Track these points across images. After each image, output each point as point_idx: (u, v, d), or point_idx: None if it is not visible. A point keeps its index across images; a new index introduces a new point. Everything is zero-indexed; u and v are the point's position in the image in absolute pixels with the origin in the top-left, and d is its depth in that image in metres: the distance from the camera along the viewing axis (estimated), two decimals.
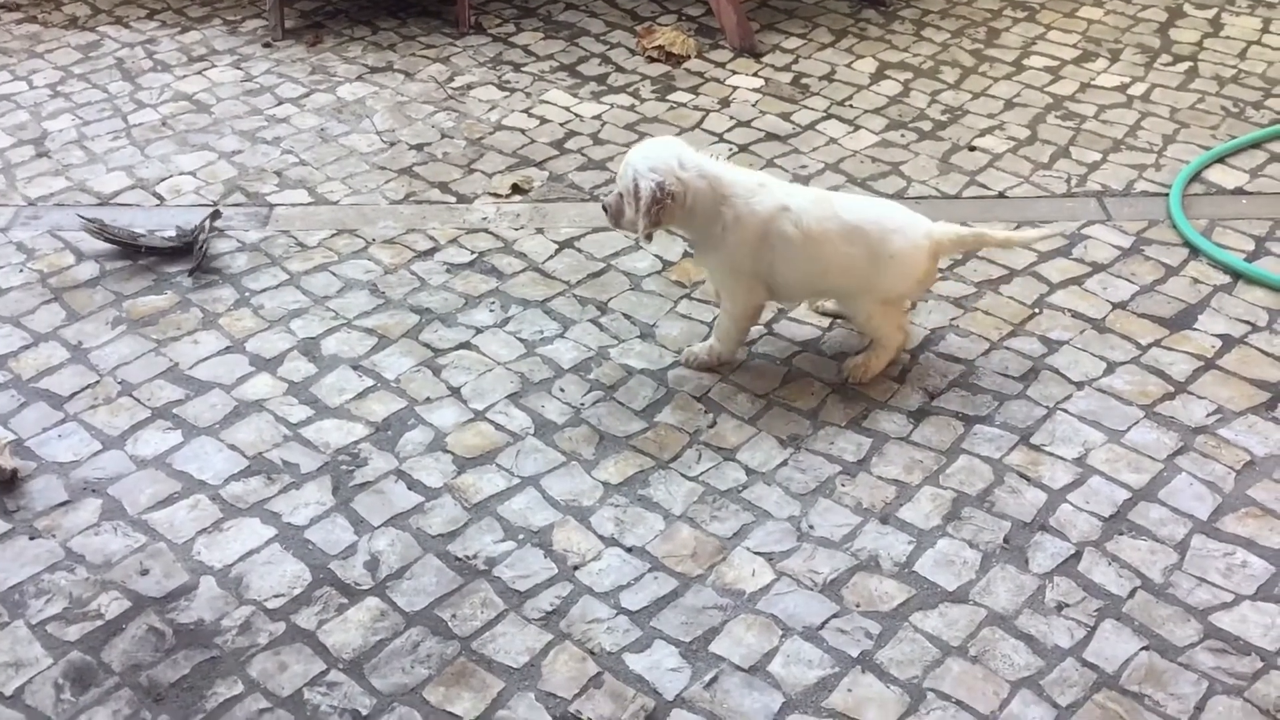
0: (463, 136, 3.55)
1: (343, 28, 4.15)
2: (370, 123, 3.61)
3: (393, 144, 3.51)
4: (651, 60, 3.93)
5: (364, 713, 1.98)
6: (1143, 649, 2.07)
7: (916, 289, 2.65)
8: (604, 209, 2.61)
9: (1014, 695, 2.00)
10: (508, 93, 3.77)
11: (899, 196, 3.26)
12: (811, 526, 2.31)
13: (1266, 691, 1.99)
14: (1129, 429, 2.51)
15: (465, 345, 2.76)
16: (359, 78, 3.85)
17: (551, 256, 3.05)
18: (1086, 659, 2.05)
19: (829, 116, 3.63)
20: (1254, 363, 2.66)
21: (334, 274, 2.98)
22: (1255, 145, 3.40)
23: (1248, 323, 2.77)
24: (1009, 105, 3.66)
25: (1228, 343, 2.72)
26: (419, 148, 3.49)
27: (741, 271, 2.56)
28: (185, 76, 3.86)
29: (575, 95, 3.75)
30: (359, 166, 3.41)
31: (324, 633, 2.11)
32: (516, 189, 3.31)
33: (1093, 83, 3.75)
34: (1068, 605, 2.15)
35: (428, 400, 2.60)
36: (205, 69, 3.90)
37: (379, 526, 2.31)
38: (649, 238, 2.57)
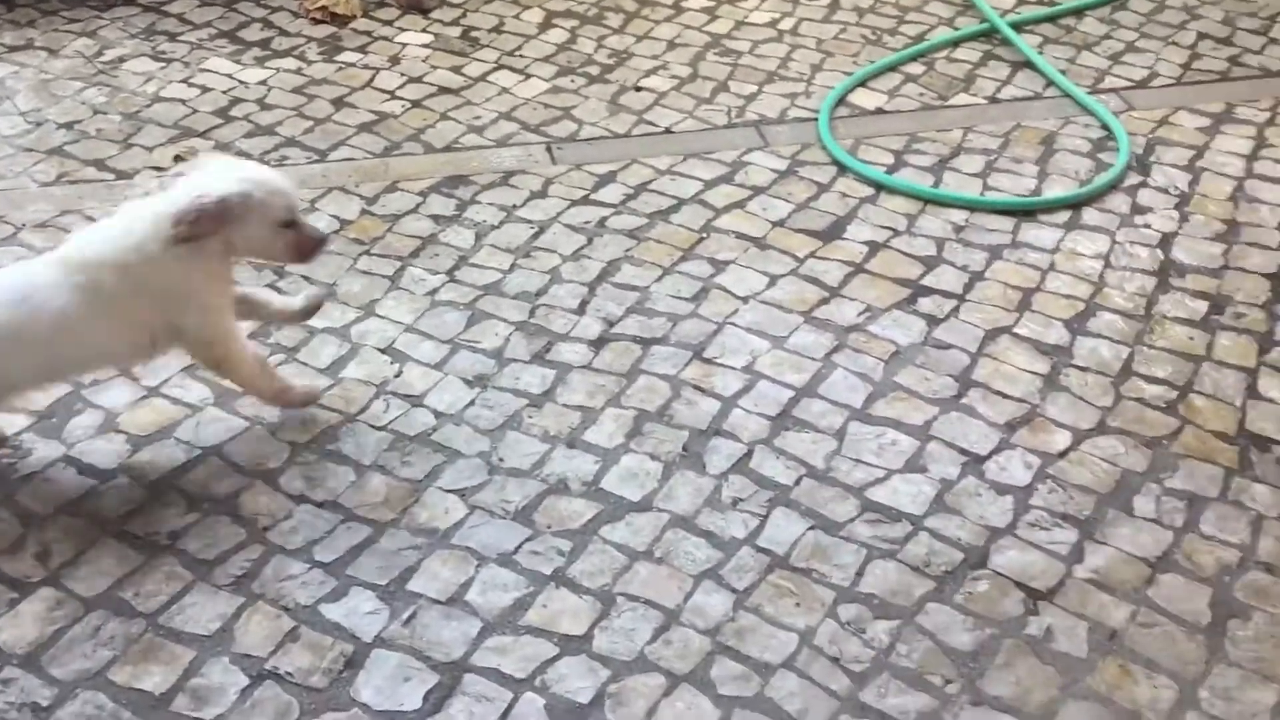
0: (117, 111, 3.37)
1: None
2: (12, 104, 3.38)
3: (39, 124, 3.30)
4: (316, 22, 3.85)
5: (45, 704, 1.90)
6: (809, 529, 2.24)
7: None
8: None
9: (697, 587, 2.13)
10: (164, 63, 3.61)
11: (571, 140, 3.35)
12: (502, 459, 2.37)
13: (916, 551, 2.20)
14: (790, 334, 2.69)
15: None
16: None
17: None
18: (760, 545, 2.21)
19: (500, 67, 3.67)
20: (896, 264, 2.90)
21: None
22: (891, 69, 3.68)
23: (890, 229, 3.02)
24: (671, 46, 3.81)
25: (873, 248, 2.95)
26: (69, 126, 3.30)
27: None
28: None
29: (238, 62, 3.64)
30: (2, 150, 3.19)
31: None
32: (180, 161, 3.18)
33: (746, 20, 3.95)
34: (742, 500, 2.30)
35: (95, 382, 2.49)
36: None
37: (49, 515, 2.20)
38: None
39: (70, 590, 2.07)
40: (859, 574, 2.16)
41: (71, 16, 3.83)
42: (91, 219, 2.94)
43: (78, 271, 2.10)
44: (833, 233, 3.01)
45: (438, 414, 2.47)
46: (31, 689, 1.92)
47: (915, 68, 3.69)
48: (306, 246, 2.27)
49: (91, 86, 3.48)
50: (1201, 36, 3.86)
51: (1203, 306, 2.76)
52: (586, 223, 3.03)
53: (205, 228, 2.10)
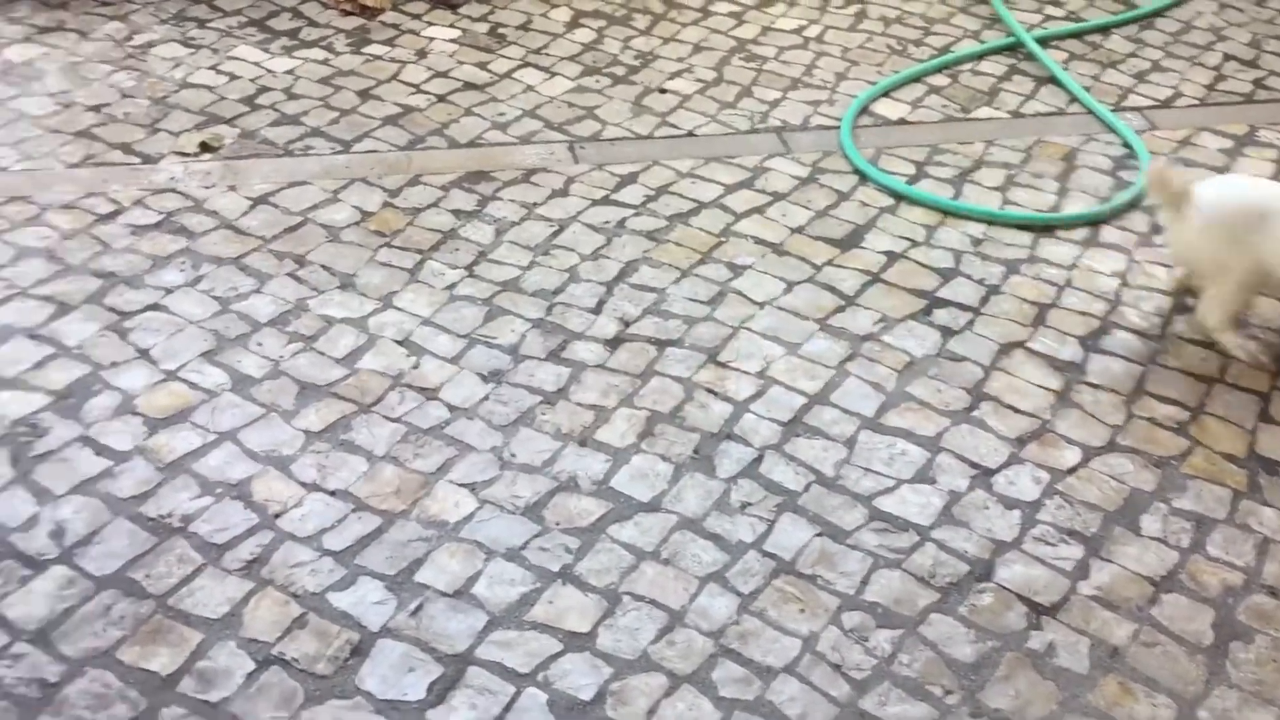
0: (145, 96, 3.41)
1: None
2: (41, 85, 3.41)
3: (68, 106, 3.34)
4: (345, 13, 3.88)
5: (53, 680, 1.92)
6: (816, 536, 2.25)
7: None
8: None
9: (703, 589, 2.14)
10: (193, 49, 3.64)
11: (594, 139, 3.37)
12: (513, 454, 2.39)
13: (922, 561, 2.21)
14: (805, 341, 2.70)
15: (154, 307, 2.68)
16: (26, 39, 3.63)
17: (245, 213, 2.99)
18: (767, 550, 2.22)
19: (525, 64, 3.69)
20: (913, 274, 2.91)
21: (5, 242, 2.82)
22: (916, 80, 3.69)
23: (908, 239, 3.03)
24: (697, 49, 3.82)
25: (891, 258, 2.96)
26: (97, 109, 3.33)
27: None
28: None
29: (266, 50, 3.66)
30: (30, 131, 3.23)
31: (6, 606, 2.02)
32: (206, 147, 3.22)
33: (773, 26, 3.97)
34: (750, 504, 2.31)
35: (114, 364, 2.52)
36: None
37: (64, 495, 2.23)
38: None
39: (82, 569, 2.10)
40: (864, 582, 2.17)
41: (104, 0, 3.86)
42: (116, 202, 2.98)
43: None
44: (851, 241, 3.01)
45: (452, 408, 2.49)
46: (40, 665, 1.95)
47: (939, 79, 3.70)
48: None
49: (120, 70, 3.52)
50: (1227, 58, 3.85)
51: None
52: (606, 223, 3.04)
53: None
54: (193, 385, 2.49)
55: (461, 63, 3.68)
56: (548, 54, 3.75)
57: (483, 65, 3.67)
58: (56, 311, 2.64)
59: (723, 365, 2.63)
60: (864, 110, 3.53)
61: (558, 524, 2.25)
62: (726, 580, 2.16)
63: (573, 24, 3.92)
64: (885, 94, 3.62)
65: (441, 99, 3.50)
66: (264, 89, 3.48)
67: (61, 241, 2.84)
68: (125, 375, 2.49)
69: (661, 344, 2.67)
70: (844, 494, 2.34)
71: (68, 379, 2.47)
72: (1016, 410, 2.53)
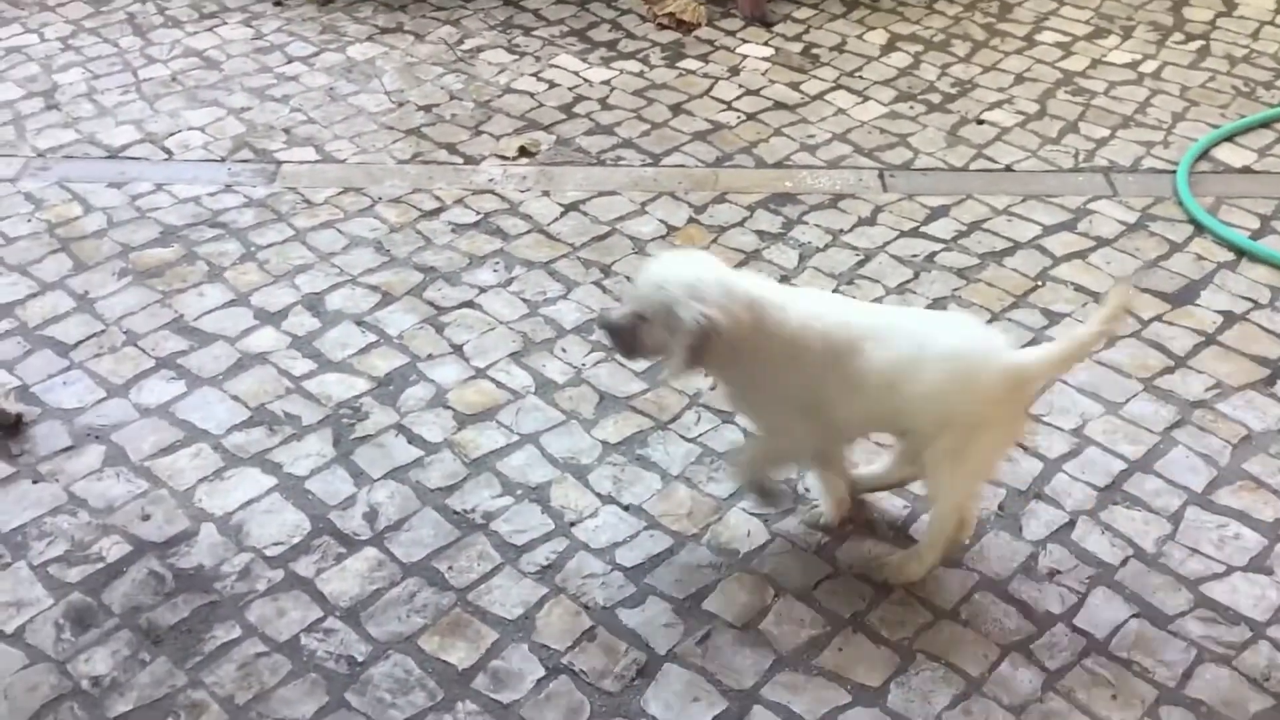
0: (471, 99, 3.55)
1: None
2: (379, 83, 3.62)
3: (401, 104, 3.52)
4: (662, 27, 3.92)
5: (359, 659, 2.00)
6: (1133, 616, 2.08)
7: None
8: (608, 329, 2.02)
9: (1004, 658, 2.02)
10: (517, 56, 3.77)
11: (906, 167, 3.26)
12: (808, 489, 2.33)
13: (1255, 661, 2.00)
14: (1127, 401, 2.51)
15: (468, 304, 2.77)
16: (369, 38, 3.85)
17: (557, 219, 3.06)
18: (1077, 625, 2.07)
19: (838, 87, 3.62)
20: (1255, 339, 2.66)
21: (340, 231, 3.00)
22: (1265, 125, 3.39)
23: (1250, 300, 2.77)
24: (1019, 79, 3.65)
25: (1229, 319, 2.72)
26: (427, 109, 3.50)
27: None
28: (196, 33, 3.86)
29: (585, 60, 3.75)
30: (367, 126, 3.42)
31: (322, 581, 2.13)
32: (524, 151, 3.31)
33: (1104, 59, 3.74)
34: (1060, 572, 2.16)
35: (430, 357, 2.62)
36: (216, 26, 3.91)
37: (379, 479, 2.33)
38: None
39: (391, 553, 2.18)
40: (1186, 675, 1.98)
41: (439, 4, 4.06)
42: (440, 199, 3.11)
43: None
44: (1183, 297, 2.79)
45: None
46: (349, 642, 2.03)
47: None
48: None
49: (450, 73, 3.68)
50: None
51: None
52: (914, 256, 2.93)
53: None
54: (499, 385, 2.56)
55: (773, 81, 3.65)
56: (861, 77, 3.67)
57: (794, 85, 3.63)
58: (381, 301, 2.77)
59: (1034, 418, 2.47)
60: (1204, 155, 3.27)
61: (850, 568, 2.18)
62: (1031, 652, 2.03)
63: (888, 47, 3.82)
64: (1229, 139, 3.34)
65: (751, 117, 3.48)
66: (581, 98, 3.56)
67: (389, 234, 2.99)
68: (439, 369, 2.59)
69: None
70: (1166, 574, 2.15)
71: (388, 367, 2.59)
72: None
